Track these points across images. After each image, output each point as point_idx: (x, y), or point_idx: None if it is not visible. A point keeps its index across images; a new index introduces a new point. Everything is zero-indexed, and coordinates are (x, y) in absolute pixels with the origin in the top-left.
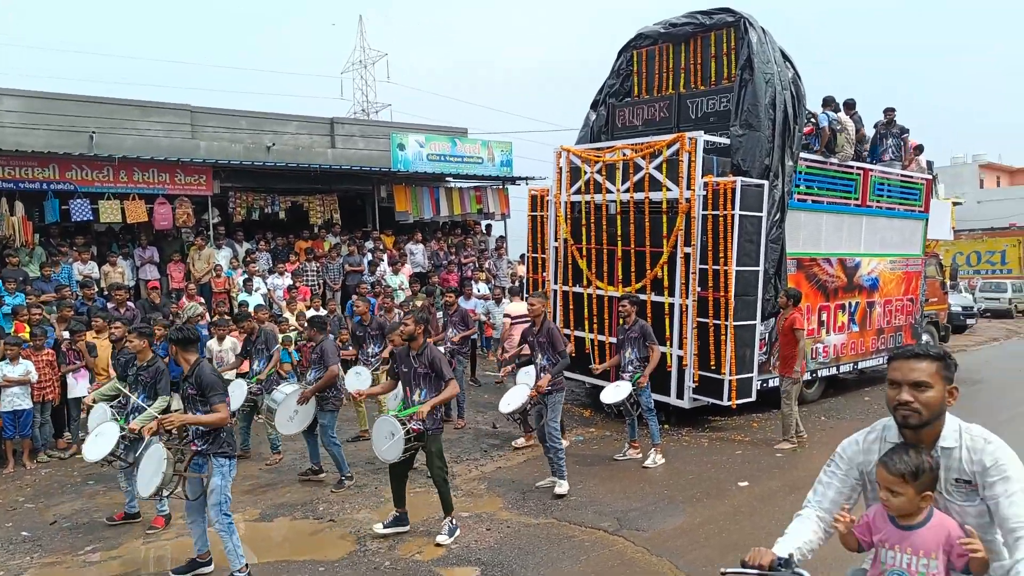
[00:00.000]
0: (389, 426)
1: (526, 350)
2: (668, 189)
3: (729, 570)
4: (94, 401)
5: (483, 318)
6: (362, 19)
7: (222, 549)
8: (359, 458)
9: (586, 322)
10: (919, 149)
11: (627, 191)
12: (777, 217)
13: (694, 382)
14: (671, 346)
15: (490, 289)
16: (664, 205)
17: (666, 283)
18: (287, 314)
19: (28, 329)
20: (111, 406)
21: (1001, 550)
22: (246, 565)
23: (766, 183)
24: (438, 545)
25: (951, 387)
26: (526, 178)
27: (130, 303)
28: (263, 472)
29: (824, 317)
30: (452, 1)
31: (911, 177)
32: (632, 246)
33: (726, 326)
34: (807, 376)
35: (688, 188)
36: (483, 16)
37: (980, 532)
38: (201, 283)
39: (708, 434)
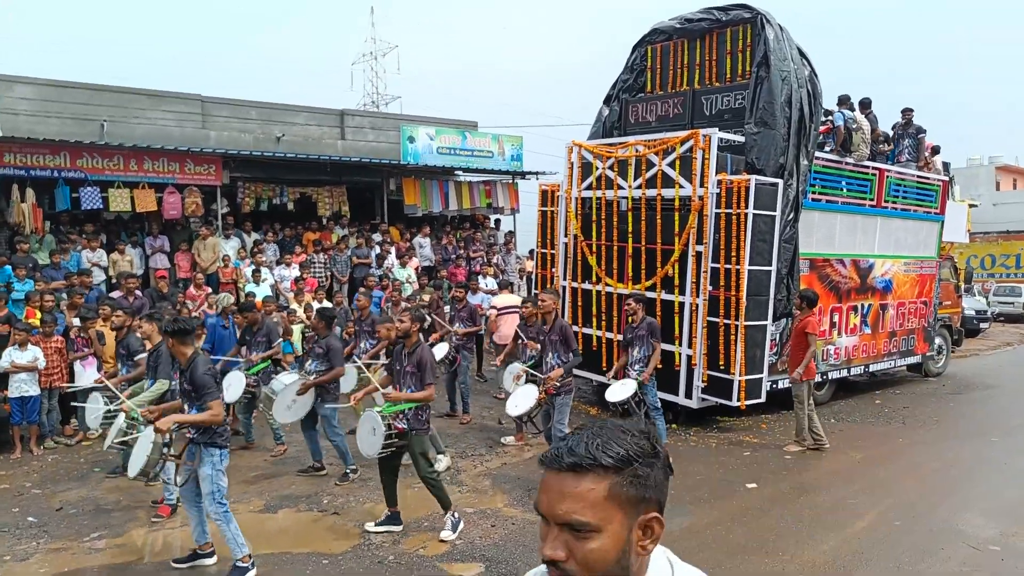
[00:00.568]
0: (372, 422)
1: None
2: (681, 186)
3: None
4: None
5: (488, 313)
6: (373, 11)
7: (224, 540)
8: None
9: (595, 319)
10: (936, 150)
11: (639, 187)
12: (791, 216)
13: (703, 382)
14: (680, 345)
15: (497, 284)
16: (676, 202)
17: (677, 281)
18: (294, 305)
19: (39, 315)
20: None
21: None
22: (249, 555)
23: (780, 182)
24: (442, 541)
25: (647, 518)
26: (536, 173)
27: (138, 291)
28: (268, 464)
29: (836, 319)
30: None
31: (927, 178)
32: (643, 243)
33: (737, 326)
34: (817, 378)
35: (701, 186)
36: (486, 14)
37: None
38: (208, 273)
39: (716, 435)
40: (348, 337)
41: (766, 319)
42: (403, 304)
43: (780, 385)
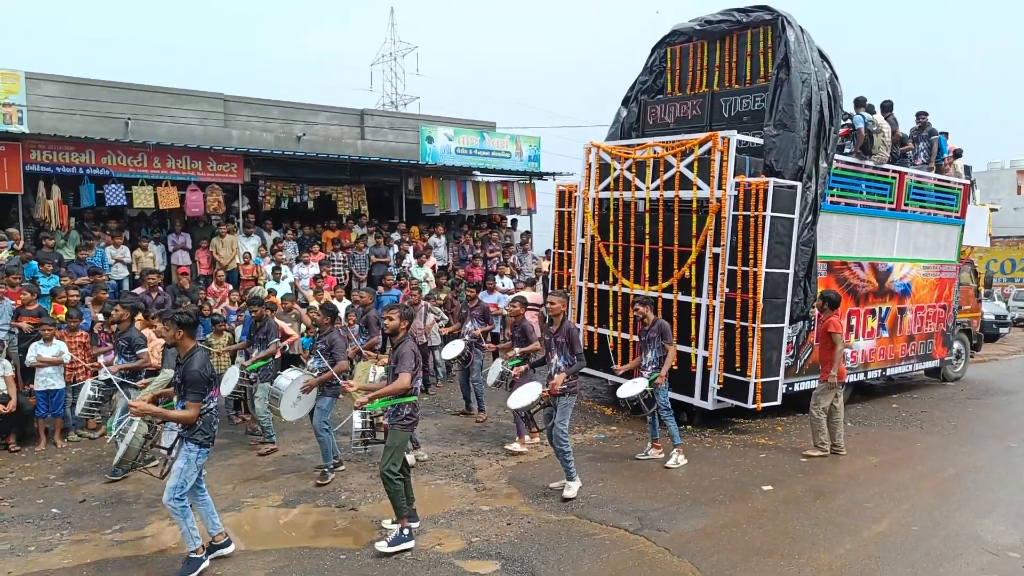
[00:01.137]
0: (355, 419)
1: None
2: (699, 188)
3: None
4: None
5: (505, 312)
6: (393, 12)
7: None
8: (377, 451)
9: (610, 320)
10: (957, 154)
11: (657, 189)
12: (809, 219)
13: (719, 383)
14: (696, 347)
15: (514, 284)
16: (694, 204)
17: (693, 283)
18: (314, 303)
19: (65, 310)
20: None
21: None
22: (203, 546)
23: (799, 184)
24: (381, 554)
25: None
26: (554, 173)
27: (160, 288)
28: (287, 459)
29: (853, 322)
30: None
31: (948, 182)
32: (660, 244)
33: (753, 328)
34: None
35: (719, 188)
36: (506, 13)
37: None
38: (228, 270)
39: (731, 436)
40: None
41: (783, 322)
42: (423, 303)
43: (796, 388)
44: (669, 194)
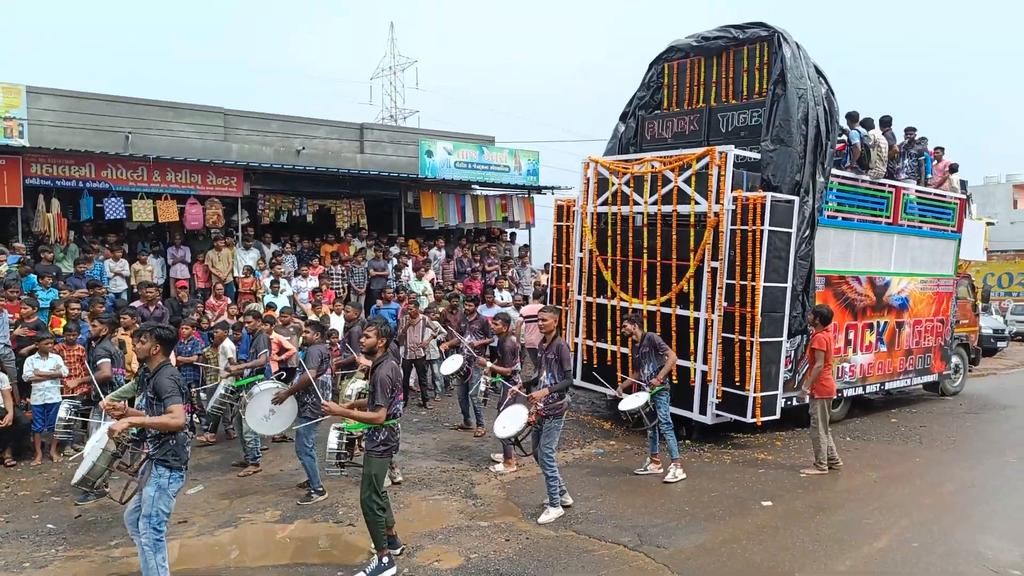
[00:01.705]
0: (331, 438)
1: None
2: (697, 203)
3: None
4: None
5: (516, 320)
6: (392, 26)
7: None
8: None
9: (609, 334)
10: (953, 168)
11: (655, 203)
12: (807, 233)
13: (718, 398)
14: (695, 361)
15: (511, 297)
16: (692, 219)
17: (692, 297)
18: (312, 316)
19: (63, 323)
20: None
21: None
22: None
23: (796, 199)
24: None
25: None
26: (552, 187)
27: (159, 301)
28: (284, 475)
29: (851, 336)
30: (469, 11)
31: (944, 196)
32: (658, 259)
33: (752, 342)
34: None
35: (717, 202)
36: (506, 28)
37: None
38: (224, 283)
39: (730, 451)
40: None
41: (781, 336)
42: (421, 316)
43: (795, 402)
44: (667, 208)
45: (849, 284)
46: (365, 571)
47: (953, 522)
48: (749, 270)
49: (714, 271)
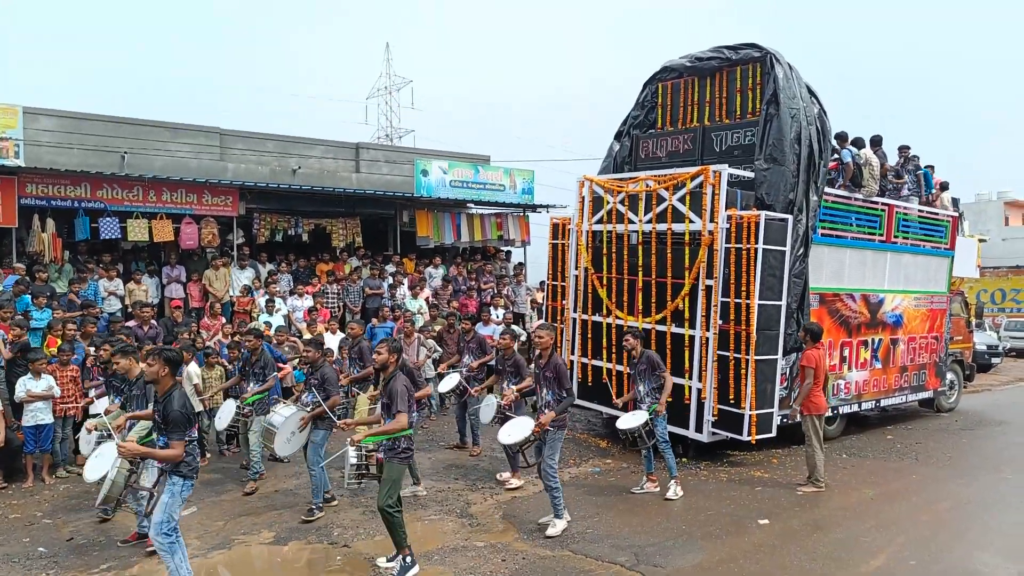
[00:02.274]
0: (350, 454)
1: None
2: (691, 221)
3: None
4: (95, 428)
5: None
6: (388, 46)
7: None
8: (371, 485)
9: (604, 352)
10: (944, 186)
11: (649, 222)
12: (801, 251)
13: (713, 416)
14: (690, 379)
15: (501, 315)
16: (687, 237)
17: (687, 315)
18: (307, 335)
19: (58, 344)
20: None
21: None
22: None
23: (790, 217)
24: None
25: None
26: (547, 206)
27: (153, 321)
28: (278, 495)
29: (846, 353)
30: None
31: (936, 214)
32: (653, 277)
33: (747, 360)
34: (828, 413)
35: (711, 221)
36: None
37: None
38: (222, 302)
39: (727, 469)
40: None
41: (776, 353)
42: (416, 335)
43: (786, 420)
44: (662, 227)
45: (843, 301)
46: (393, 573)
47: (950, 539)
48: (744, 288)
49: (709, 289)
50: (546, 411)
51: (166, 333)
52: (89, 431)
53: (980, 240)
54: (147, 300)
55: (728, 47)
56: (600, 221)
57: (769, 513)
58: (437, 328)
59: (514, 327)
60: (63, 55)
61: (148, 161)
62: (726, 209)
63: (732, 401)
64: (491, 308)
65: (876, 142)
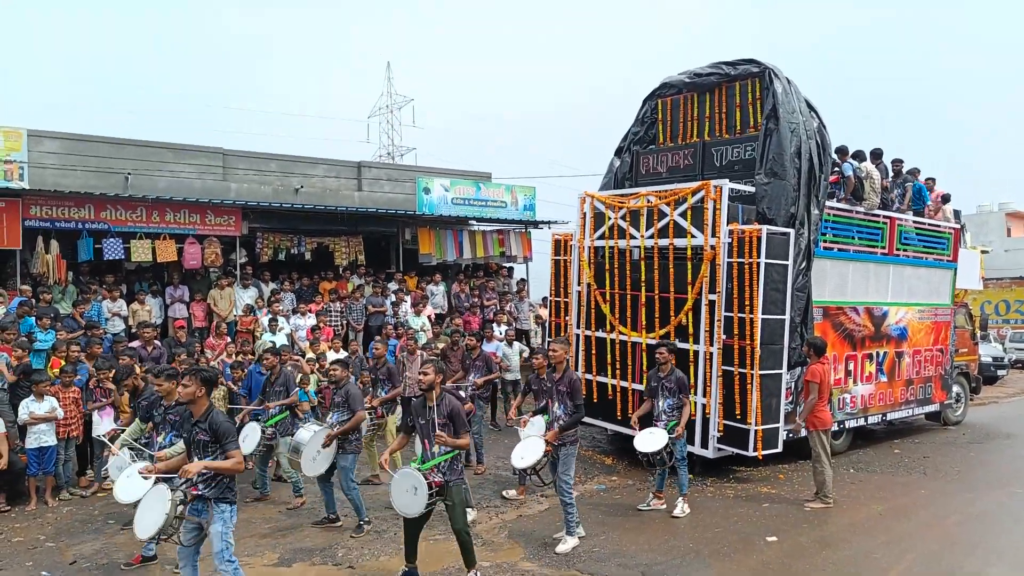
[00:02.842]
0: (411, 480)
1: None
2: (693, 236)
3: None
4: (121, 446)
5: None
6: (389, 65)
7: None
8: (377, 503)
9: (608, 367)
10: (946, 198)
11: (651, 237)
12: (803, 265)
13: (719, 431)
14: (695, 394)
15: (504, 332)
16: (689, 252)
17: (690, 330)
18: (310, 354)
19: (62, 365)
20: (131, 448)
21: None
22: None
23: (792, 231)
24: None
25: None
26: (549, 222)
27: (156, 341)
28: (282, 516)
29: (851, 366)
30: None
31: (939, 226)
32: (656, 292)
33: (752, 375)
34: (834, 427)
35: (713, 235)
36: (500, 65)
37: None
38: (227, 322)
39: (733, 485)
40: (362, 386)
41: (781, 368)
42: (419, 352)
43: (792, 435)
44: (664, 242)
45: (847, 315)
46: None
47: (961, 555)
48: (747, 302)
49: (712, 304)
50: (555, 426)
51: (170, 353)
52: (115, 453)
53: (983, 252)
54: (151, 320)
55: (726, 63)
56: (602, 237)
57: (777, 530)
58: (440, 345)
59: (504, 346)
60: (66, 73)
61: (151, 182)
62: (728, 224)
63: (737, 416)
64: (494, 324)
65: (876, 155)
